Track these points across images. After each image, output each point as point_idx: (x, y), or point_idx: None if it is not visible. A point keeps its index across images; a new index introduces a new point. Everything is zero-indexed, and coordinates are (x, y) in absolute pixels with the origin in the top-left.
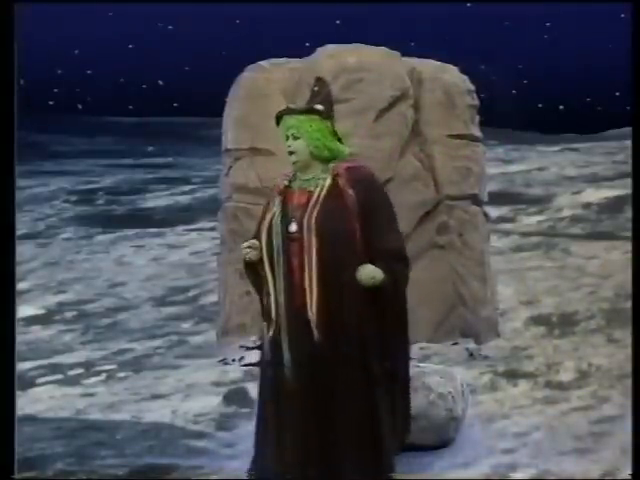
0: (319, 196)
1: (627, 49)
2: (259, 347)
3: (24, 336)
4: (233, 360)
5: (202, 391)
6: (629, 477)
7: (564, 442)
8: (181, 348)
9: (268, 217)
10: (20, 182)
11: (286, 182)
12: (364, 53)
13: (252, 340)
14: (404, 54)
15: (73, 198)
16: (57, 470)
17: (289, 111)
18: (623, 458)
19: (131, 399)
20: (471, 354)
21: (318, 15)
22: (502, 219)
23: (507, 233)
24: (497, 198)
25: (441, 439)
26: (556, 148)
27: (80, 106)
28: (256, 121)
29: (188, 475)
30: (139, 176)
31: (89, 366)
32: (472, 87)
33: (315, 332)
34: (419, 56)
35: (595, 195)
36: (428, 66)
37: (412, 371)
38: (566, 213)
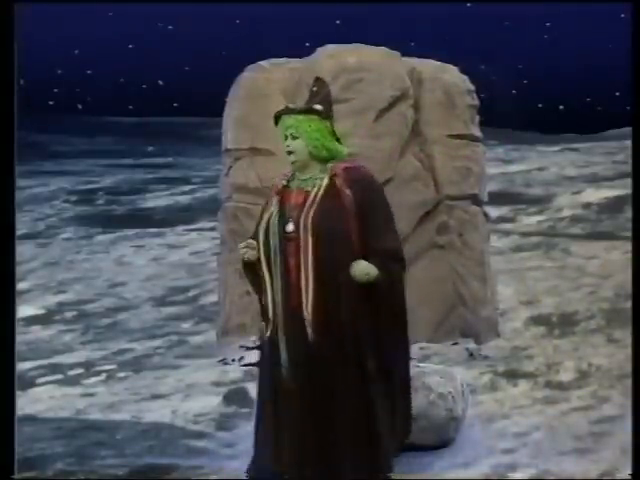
0: (316, 196)
1: (627, 49)
2: (259, 347)
3: (24, 336)
4: (233, 360)
5: (202, 391)
6: (629, 477)
7: (564, 442)
8: (181, 348)
9: (266, 217)
10: (20, 182)
11: (284, 182)
12: (364, 53)
13: (252, 340)
14: (404, 54)
15: (73, 198)
16: (57, 470)
17: (288, 111)
18: (623, 458)
19: (131, 399)
20: (471, 354)
21: (318, 15)
22: (502, 219)
23: (507, 233)
24: (497, 198)
25: (441, 439)
26: (556, 148)
27: (80, 106)
28: (256, 121)
29: (188, 475)
30: (139, 176)
31: (89, 366)
32: (472, 87)
33: (309, 331)
34: (419, 56)
35: (595, 195)
36: (428, 66)
37: (412, 371)
38: (566, 213)
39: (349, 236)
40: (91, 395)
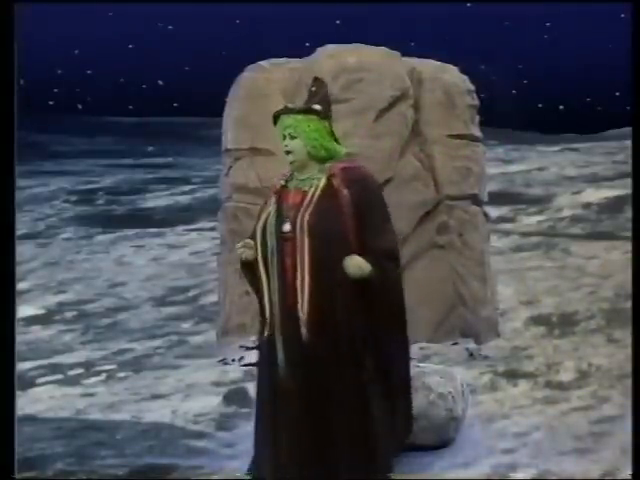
0: (313, 196)
1: (627, 49)
2: (258, 347)
3: (24, 336)
4: (233, 360)
5: (202, 391)
6: (629, 477)
7: (564, 442)
8: (181, 348)
9: (263, 217)
10: (20, 182)
11: (282, 182)
12: (364, 53)
13: (252, 340)
14: (404, 54)
15: (73, 198)
16: (57, 470)
17: (287, 110)
18: (623, 458)
19: (131, 399)
20: (471, 354)
21: (318, 15)
22: (502, 219)
23: (507, 233)
24: (497, 198)
25: (441, 439)
26: (556, 148)
27: (80, 106)
28: (256, 121)
29: (188, 475)
30: (139, 176)
31: (89, 366)
32: (472, 87)
33: (304, 331)
34: (419, 56)
35: (595, 195)
36: (428, 66)
37: (412, 371)
38: (566, 213)
39: (346, 236)
40: (91, 395)
